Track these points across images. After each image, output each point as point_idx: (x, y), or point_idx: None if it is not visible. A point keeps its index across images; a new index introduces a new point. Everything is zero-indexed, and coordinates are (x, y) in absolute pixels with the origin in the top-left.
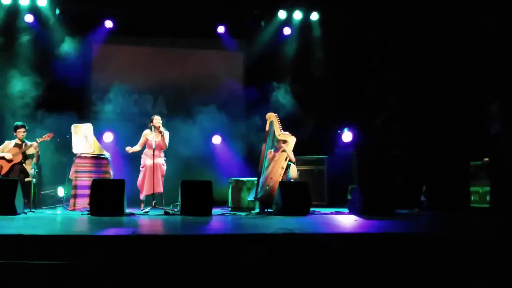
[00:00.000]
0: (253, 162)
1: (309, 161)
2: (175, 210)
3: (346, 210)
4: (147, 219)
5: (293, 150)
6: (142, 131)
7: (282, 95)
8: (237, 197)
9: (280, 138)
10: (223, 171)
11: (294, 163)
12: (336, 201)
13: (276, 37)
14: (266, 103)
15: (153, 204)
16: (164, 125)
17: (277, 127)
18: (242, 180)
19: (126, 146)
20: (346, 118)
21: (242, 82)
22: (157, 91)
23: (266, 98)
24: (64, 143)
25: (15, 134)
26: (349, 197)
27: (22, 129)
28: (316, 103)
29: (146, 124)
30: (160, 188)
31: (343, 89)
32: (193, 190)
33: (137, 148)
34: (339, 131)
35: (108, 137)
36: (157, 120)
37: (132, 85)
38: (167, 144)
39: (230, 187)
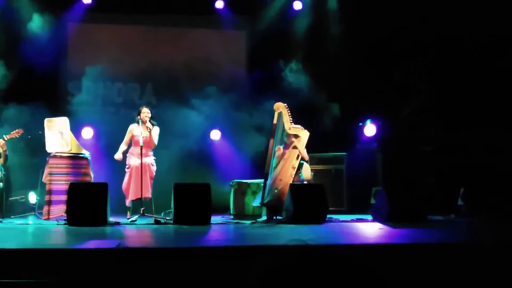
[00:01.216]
0: (258, 161)
1: (325, 159)
2: (167, 218)
3: (370, 217)
4: (135, 229)
5: (306, 146)
6: (128, 125)
7: (292, 79)
8: (241, 203)
9: (290, 132)
10: (224, 172)
11: (307, 161)
12: (358, 206)
13: (284, 13)
14: (273, 90)
15: (142, 212)
16: (153, 118)
17: (287, 119)
18: (246, 182)
19: (108, 142)
20: (369, 107)
21: (245, 66)
22: (145, 78)
23: (273, 84)
24: (35, 141)
25: None
26: (372, 201)
27: None
28: (333, 89)
29: (132, 117)
30: (149, 193)
31: (365, 73)
32: (188, 195)
33: (123, 147)
34: (360, 123)
35: (88, 132)
36: (145, 112)
37: (115, 72)
38: (157, 141)
39: (232, 190)
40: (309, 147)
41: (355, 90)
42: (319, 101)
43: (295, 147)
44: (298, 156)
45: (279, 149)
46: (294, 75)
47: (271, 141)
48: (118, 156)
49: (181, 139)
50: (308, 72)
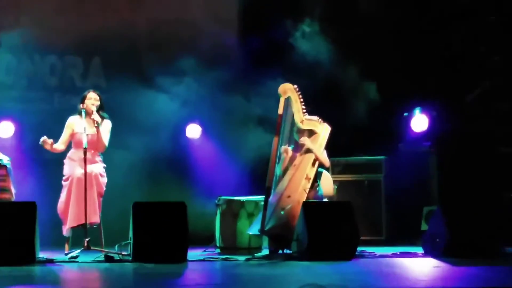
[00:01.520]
0: (257, 170)
1: (354, 166)
2: (123, 253)
3: (420, 250)
4: (76, 270)
5: (327, 147)
6: (65, 118)
7: (306, 48)
8: (231, 230)
9: (303, 127)
10: (206, 185)
11: (328, 169)
12: (402, 235)
13: None
14: (278, 64)
15: (86, 244)
16: (103, 108)
17: (298, 107)
18: (239, 200)
19: (35, 142)
20: (418, 91)
21: (237, 29)
22: (90, 50)
23: (278, 56)
24: None
25: None
26: (424, 227)
27: None
28: (367, 64)
29: (72, 106)
30: (96, 216)
31: (413, 41)
32: (154, 219)
33: (58, 146)
34: (405, 114)
35: (6, 129)
36: (91, 99)
37: (46, 40)
38: (108, 140)
39: (219, 212)
40: (331, 148)
41: (398, 66)
42: (346, 80)
43: (309, 150)
44: (314, 161)
45: (287, 151)
46: (308, 41)
47: (275, 139)
48: (47, 141)
49: (144, 138)
50: (330, 37)
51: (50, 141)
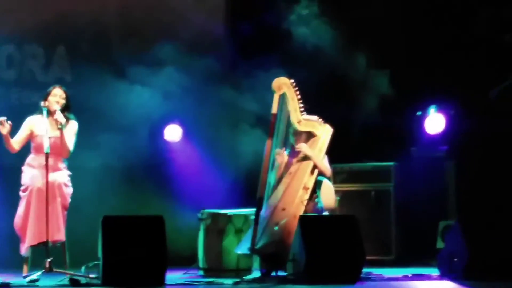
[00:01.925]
0: (247, 178)
1: (360, 174)
2: (91, 276)
3: (435, 272)
4: None
5: (328, 153)
6: (24, 118)
7: (304, 33)
8: (216, 249)
9: (300, 128)
10: (188, 196)
11: (329, 178)
12: (414, 254)
13: None
14: (272, 54)
15: (48, 265)
16: (69, 107)
17: (294, 105)
18: (226, 214)
19: None
20: (433, 85)
21: (224, 13)
22: (53, 38)
23: (271, 44)
24: None
25: None
26: (440, 245)
27: None
28: (374, 52)
29: (32, 104)
30: (60, 233)
31: (427, 27)
32: (127, 235)
33: (13, 144)
34: (418, 113)
35: None
36: (55, 96)
37: (2, 27)
38: (74, 144)
39: (203, 228)
40: (333, 153)
41: (410, 54)
42: (351, 73)
43: (306, 157)
44: (313, 168)
45: (281, 156)
46: (305, 26)
47: (268, 142)
48: (2, 118)
49: (116, 140)
50: (331, 20)
51: (8, 124)
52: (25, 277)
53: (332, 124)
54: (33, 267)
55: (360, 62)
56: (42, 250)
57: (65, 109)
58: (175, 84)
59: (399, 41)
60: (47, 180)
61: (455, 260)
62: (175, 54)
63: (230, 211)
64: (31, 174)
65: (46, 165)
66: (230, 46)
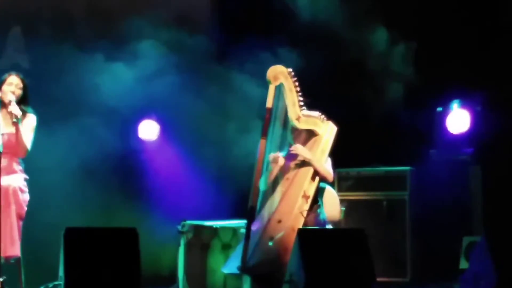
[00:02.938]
0: (236, 185)
1: (370, 181)
2: None
3: None
4: None
5: (332, 155)
6: None
7: (303, 2)
8: (199, 267)
9: (300, 125)
10: (166, 205)
11: (333, 184)
12: (433, 274)
13: None
14: (266, 33)
15: (0, 285)
16: (26, 99)
17: (293, 99)
18: (211, 226)
19: None
20: (457, 77)
21: None
22: (7, 17)
23: (265, 20)
24: None
25: None
26: (464, 264)
27: None
28: (392, 30)
29: None
30: (15, 248)
31: (450, 7)
32: (94, 251)
33: None
34: (439, 109)
35: None
36: (11, 85)
37: None
38: (31, 141)
39: (183, 242)
40: (338, 155)
41: (429, 40)
42: (357, 60)
43: (305, 161)
44: (314, 174)
45: (276, 160)
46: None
47: (262, 142)
48: None
49: (81, 138)
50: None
51: None
52: None
53: (336, 121)
54: None
55: (374, 40)
56: None
57: (21, 101)
58: (151, 72)
59: (417, 23)
60: None
61: (482, 283)
62: (150, 36)
63: (216, 223)
64: None
65: None
66: (217, 25)
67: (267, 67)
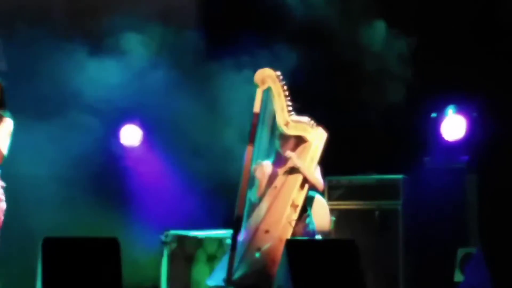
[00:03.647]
0: (222, 193)
1: (361, 190)
2: None
3: None
4: None
5: (321, 162)
6: None
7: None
8: (183, 279)
9: (288, 131)
10: (149, 214)
11: (323, 193)
12: (426, 287)
13: None
14: (254, 30)
15: None
16: (2, 103)
17: (281, 104)
18: (195, 237)
19: None
20: (452, 81)
21: None
22: None
23: (251, 17)
24: None
25: None
26: (458, 277)
27: None
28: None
29: None
30: None
31: (446, 7)
32: (73, 262)
33: None
34: (433, 114)
35: None
36: None
37: None
38: (7, 147)
39: (166, 253)
40: (328, 162)
41: (425, 43)
42: (350, 58)
43: (294, 169)
44: (303, 182)
45: (261, 170)
46: None
47: (249, 148)
48: None
49: (60, 143)
50: None
51: None
52: None
53: (326, 127)
54: None
55: (369, 40)
56: None
57: None
58: (134, 72)
59: (414, 25)
60: None
61: None
62: (134, 32)
63: (200, 233)
64: None
65: None
66: (206, 21)
67: (260, 66)
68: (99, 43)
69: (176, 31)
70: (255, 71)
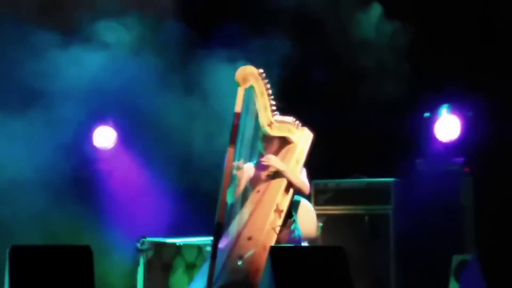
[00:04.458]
0: (201, 198)
1: (350, 193)
2: None
3: None
4: None
5: (307, 165)
6: None
7: None
8: None
9: (272, 132)
10: (123, 220)
11: (309, 197)
12: None
13: None
14: (235, 20)
15: None
16: None
17: (264, 103)
18: (174, 243)
19: None
20: (446, 79)
21: None
22: None
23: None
24: None
25: None
26: (454, 285)
27: None
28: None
29: None
30: None
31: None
32: (43, 271)
33: None
34: (426, 114)
35: None
36: None
37: None
38: None
39: (143, 261)
40: (314, 165)
41: (418, 38)
42: (338, 50)
43: (277, 173)
44: (288, 186)
45: (240, 166)
46: None
47: (230, 150)
48: None
49: (29, 146)
50: None
51: None
52: None
53: (312, 128)
54: None
55: (361, 32)
56: None
57: None
58: (108, 70)
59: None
60: None
61: None
62: (107, 23)
63: (179, 240)
64: None
65: None
66: (185, 14)
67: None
68: (69, 35)
69: (156, 21)
70: (238, 67)
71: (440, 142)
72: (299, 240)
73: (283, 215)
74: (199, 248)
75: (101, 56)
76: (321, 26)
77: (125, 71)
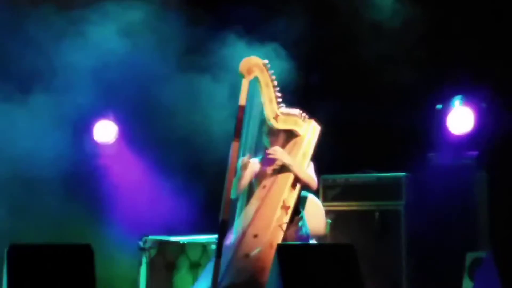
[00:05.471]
0: (206, 194)
1: (360, 189)
2: None
3: None
4: None
5: (315, 159)
6: None
7: None
8: None
9: (277, 125)
10: (125, 217)
11: (317, 193)
12: None
13: None
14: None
15: None
16: None
17: (269, 95)
18: (177, 242)
19: None
20: (459, 69)
21: None
22: None
23: None
24: None
25: None
26: (467, 284)
27: None
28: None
29: None
30: None
31: None
32: (42, 271)
33: None
34: (439, 106)
35: None
36: None
37: None
38: None
39: (145, 261)
40: (322, 159)
41: (430, 27)
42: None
43: (283, 166)
44: (295, 181)
45: (246, 164)
46: None
47: (235, 144)
48: None
49: (26, 143)
50: None
51: None
52: None
53: (320, 120)
54: None
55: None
56: None
57: None
58: (107, 62)
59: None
60: None
61: None
62: (107, 10)
63: (183, 239)
64: None
65: None
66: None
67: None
68: (67, 23)
69: (158, 10)
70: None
71: (453, 135)
72: (307, 237)
73: (290, 211)
74: (204, 246)
75: (100, 47)
76: (336, 10)
77: (125, 61)
